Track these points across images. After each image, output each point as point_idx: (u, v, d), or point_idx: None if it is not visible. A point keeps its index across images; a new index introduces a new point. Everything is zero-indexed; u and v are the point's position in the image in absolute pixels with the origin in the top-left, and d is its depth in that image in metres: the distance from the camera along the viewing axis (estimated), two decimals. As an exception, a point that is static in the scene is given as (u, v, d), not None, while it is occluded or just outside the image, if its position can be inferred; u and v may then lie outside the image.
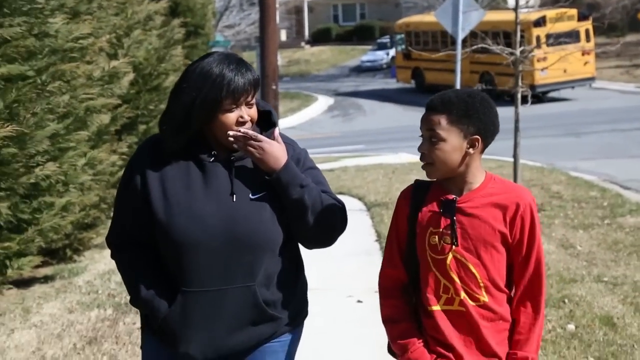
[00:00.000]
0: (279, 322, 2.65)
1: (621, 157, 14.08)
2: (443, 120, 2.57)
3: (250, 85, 2.53)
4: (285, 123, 21.55)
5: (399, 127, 20.79)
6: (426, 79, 27.65)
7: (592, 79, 24.15)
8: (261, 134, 2.59)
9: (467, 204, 2.60)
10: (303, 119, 25.31)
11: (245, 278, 2.56)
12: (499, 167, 12.18)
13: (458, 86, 11.58)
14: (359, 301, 6.01)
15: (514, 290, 2.66)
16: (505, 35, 19.69)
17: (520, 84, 9.39)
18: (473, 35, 17.45)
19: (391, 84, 31.27)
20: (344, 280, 6.62)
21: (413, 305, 2.71)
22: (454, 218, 2.59)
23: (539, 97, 22.87)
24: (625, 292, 5.90)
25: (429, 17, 27.59)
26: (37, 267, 6.25)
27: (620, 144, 15.60)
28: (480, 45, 10.22)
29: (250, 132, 2.52)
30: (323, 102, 28.30)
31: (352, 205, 9.77)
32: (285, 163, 2.57)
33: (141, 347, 2.75)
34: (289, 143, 2.69)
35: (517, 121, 9.43)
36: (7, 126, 4.21)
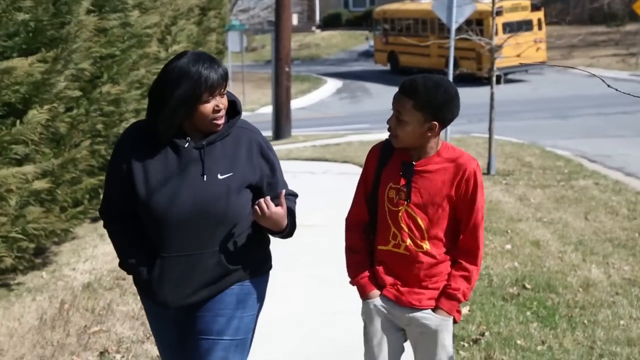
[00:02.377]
0: (239, 273, 3.12)
1: (598, 137, 15.96)
2: (408, 105, 3.06)
3: (223, 79, 2.97)
4: (295, 104, 23.20)
5: (402, 109, 22.70)
6: (400, 61, 30.68)
7: (543, 63, 26.83)
8: (228, 120, 3.08)
9: (422, 167, 3.14)
10: (313, 100, 27.14)
11: (213, 246, 3.03)
12: (484, 142, 14.14)
13: (451, 70, 13.63)
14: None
15: (459, 240, 3.19)
16: (467, 22, 23.20)
17: (494, 68, 11.29)
18: (441, 22, 21.19)
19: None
20: (343, 221, 8.62)
21: (370, 241, 3.27)
22: (411, 179, 3.14)
23: (498, 78, 25.27)
24: (555, 228, 7.94)
25: (404, 5, 31.85)
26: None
27: (600, 126, 17.48)
28: (462, 36, 12.18)
29: (267, 209, 2.98)
30: (332, 84, 30.15)
31: (353, 170, 11.79)
32: (285, 225, 3.08)
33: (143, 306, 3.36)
34: (251, 130, 3.15)
35: (492, 100, 11.40)
36: (115, 87, 6.28)
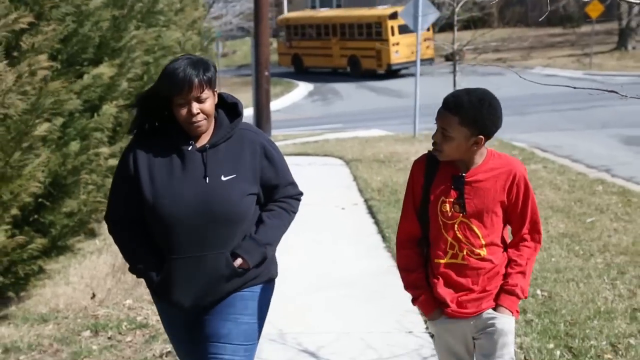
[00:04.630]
0: (247, 276, 3.24)
1: (552, 130, 17.95)
2: (454, 121, 3.11)
3: (202, 84, 3.05)
4: (270, 106, 25.03)
5: (372, 110, 24.52)
6: (304, 63, 34.91)
7: (432, 59, 32.55)
8: (231, 122, 3.23)
9: (473, 177, 3.20)
10: (286, 103, 28.89)
11: (220, 246, 3.13)
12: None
13: (418, 65, 15.57)
14: (342, 208, 9.84)
15: (511, 240, 3.32)
16: (367, 26, 31.89)
17: (456, 68, 13.14)
18: (343, 26, 28.15)
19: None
20: (332, 200, 10.42)
21: (424, 256, 3.33)
22: (463, 191, 3.19)
23: (395, 72, 32.18)
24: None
25: (306, 13, 37.28)
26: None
27: (554, 121, 19.49)
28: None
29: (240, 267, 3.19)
30: (303, 88, 31.95)
31: (334, 162, 13.66)
32: (255, 262, 3.24)
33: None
34: (255, 132, 3.29)
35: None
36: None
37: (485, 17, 34.90)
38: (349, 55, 33.35)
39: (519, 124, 19.55)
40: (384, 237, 8.26)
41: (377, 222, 8.92)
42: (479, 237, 3.23)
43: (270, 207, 3.32)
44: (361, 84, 31.48)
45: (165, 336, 5.63)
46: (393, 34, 31.42)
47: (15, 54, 5.29)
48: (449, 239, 3.24)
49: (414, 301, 3.38)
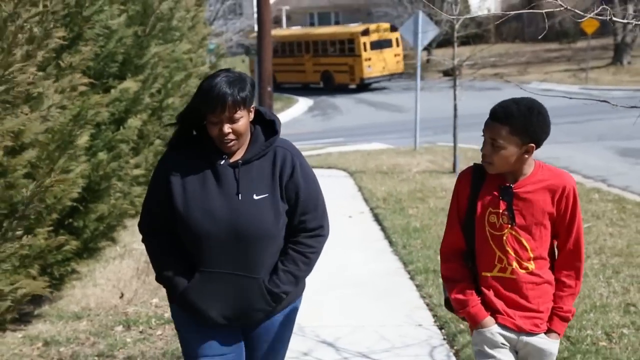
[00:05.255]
0: (282, 303, 3.28)
1: (549, 143, 18.20)
2: (504, 131, 3.08)
3: (235, 104, 3.00)
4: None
5: (371, 124, 25.03)
6: (277, 79, 35.91)
7: (402, 73, 35.39)
8: (266, 140, 3.18)
9: (521, 189, 3.16)
10: (286, 118, 29.38)
11: (252, 269, 3.14)
12: (449, 149, 16.55)
13: (419, 81, 16.09)
14: (349, 217, 10.32)
15: (557, 257, 3.27)
16: (340, 42, 34.52)
17: (456, 83, 13.65)
18: (316, 43, 30.38)
19: (385, 88, 36.03)
20: (338, 209, 10.91)
21: (470, 269, 3.27)
22: (512, 202, 3.14)
23: (367, 86, 34.53)
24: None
25: (279, 32, 38.40)
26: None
27: (551, 134, 19.73)
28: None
29: None
30: (303, 103, 32.52)
31: (339, 174, 14.17)
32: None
33: (172, 315, 3.43)
34: (288, 149, 3.23)
35: (455, 110, 13.76)
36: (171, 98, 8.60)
37: (483, 34, 35.55)
38: (322, 71, 35.51)
39: (517, 137, 20.10)
40: (390, 242, 8.75)
41: (383, 229, 9.40)
42: (527, 250, 3.19)
43: (286, 251, 3.25)
44: (360, 99, 32.06)
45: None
46: (365, 50, 34.13)
47: (54, 71, 5.78)
48: (497, 251, 3.20)
49: (460, 310, 3.28)
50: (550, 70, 34.10)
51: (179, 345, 5.72)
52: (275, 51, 35.51)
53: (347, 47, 34.26)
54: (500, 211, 3.17)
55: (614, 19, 4.54)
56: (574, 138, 18.72)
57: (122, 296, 6.95)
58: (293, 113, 30.46)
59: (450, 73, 36.13)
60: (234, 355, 3.30)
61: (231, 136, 3.07)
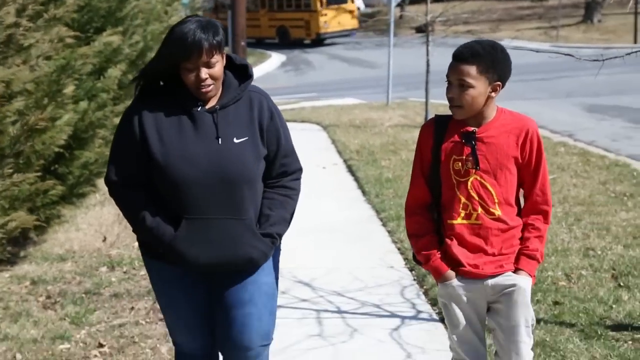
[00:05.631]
0: (271, 247, 3.21)
1: (518, 99, 18.78)
2: (473, 70, 3.09)
3: (212, 48, 2.98)
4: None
5: (344, 80, 25.20)
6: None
7: (355, 29, 36.23)
8: (239, 85, 3.16)
9: (485, 134, 3.18)
10: (259, 73, 29.37)
11: (238, 211, 3.11)
12: (421, 104, 16.85)
13: (392, 37, 16.34)
14: (323, 167, 10.63)
15: (524, 202, 3.29)
16: None
17: (429, 39, 13.90)
18: None
19: (337, 43, 36.22)
20: (312, 160, 11.19)
21: (435, 221, 3.29)
22: (475, 146, 3.16)
23: (322, 41, 35.29)
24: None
25: None
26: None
27: (521, 91, 20.33)
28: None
29: None
30: (276, 58, 32.56)
31: (312, 127, 14.46)
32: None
33: (148, 271, 3.35)
34: (263, 95, 3.23)
35: (428, 65, 14.05)
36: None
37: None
38: (277, 26, 36.08)
39: (488, 93, 20.47)
40: (364, 192, 9.08)
41: (356, 179, 9.72)
42: (492, 195, 3.19)
43: (272, 196, 3.26)
44: (333, 55, 32.22)
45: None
46: (322, 5, 35.11)
47: (38, 22, 5.97)
48: (462, 198, 3.21)
49: (424, 264, 3.32)
50: (521, 28, 34.39)
51: (162, 284, 6.02)
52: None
53: (304, 2, 35.13)
54: (464, 157, 3.18)
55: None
56: (543, 95, 19.10)
57: (104, 240, 7.22)
58: (266, 68, 30.54)
59: (422, 29, 36.34)
60: (196, 300, 3.27)
61: (209, 81, 3.05)
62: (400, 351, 4.90)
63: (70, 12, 6.01)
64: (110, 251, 6.95)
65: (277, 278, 3.37)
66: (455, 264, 3.25)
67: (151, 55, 8.99)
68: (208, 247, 3.09)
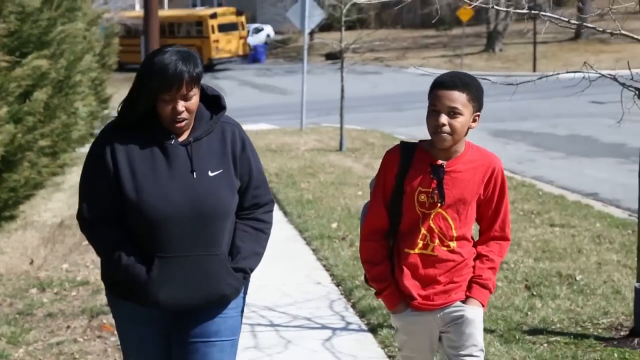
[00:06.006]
0: (242, 283, 3.13)
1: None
2: (463, 98, 3.12)
3: (191, 80, 2.92)
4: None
5: (256, 106, 25.48)
6: (121, 59, 38.46)
7: (246, 55, 38.94)
8: (211, 117, 3.08)
9: (452, 167, 3.19)
10: (170, 99, 29.61)
11: (212, 247, 3.03)
12: (334, 129, 17.25)
13: (305, 64, 16.73)
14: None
15: (480, 235, 3.33)
16: (188, 24, 37.63)
17: (343, 65, 14.30)
18: (163, 26, 31.52)
19: (247, 69, 36.59)
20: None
21: (389, 249, 3.29)
22: (442, 181, 3.16)
23: (213, 67, 36.98)
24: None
25: (132, 14, 39.43)
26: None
27: (429, 116, 21.07)
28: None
29: None
30: (187, 84, 32.73)
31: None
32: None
33: (113, 310, 3.23)
34: (234, 125, 3.15)
35: (342, 91, 14.46)
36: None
37: (364, 19, 36.57)
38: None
39: (397, 118, 21.03)
40: (285, 213, 9.34)
41: (278, 201, 9.96)
42: (452, 229, 3.22)
43: (244, 228, 3.16)
44: (243, 82, 32.50)
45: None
46: (214, 32, 37.09)
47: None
48: (423, 229, 3.22)
49: (377, 294, 3.36)
50: (427, 56, 35.42)
51: (96, 303, 6.13)
52: (128, 32, 35.79)
53: (196, 29, 36.86)
54: (431, 190, 3.18)
55: (495, 7, 5.23)
56: (451, 120, 19.79)
57: (32, 262, 7.26)
58: (177, 94, 30.58)
59: (332, 56, 36.98)
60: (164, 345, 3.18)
61: (184, 114, 2.98)
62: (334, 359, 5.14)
63: (2, 36, 6.10)
64: (38, 273, 7.00)
65: (242, 311, 3.27)
66: (406, 295, 3.27)
67: (76, 79, 9.09)
68: (182, 286, 3.01)
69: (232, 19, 38.38)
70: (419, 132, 19.87)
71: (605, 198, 10.10)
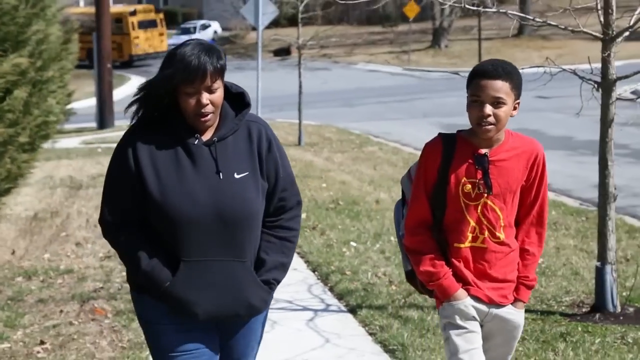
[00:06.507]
0: (269, 294, 3.03)
1: (380, 120, 19.94)
2: (506, 87, 3.09)
3: (216, 71, 2.83)
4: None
5: (208, 102, 25.75)
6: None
7: (165, 51, 38.63)
8: (236, 115, 2.98)
9: (497, 157, 3.16)
10: (119, 96, 29.34)
11: (238, 252, 2.94)
12: (290, 125, 17.58)
13: (259, 60, 16.98)
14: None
15: (520, 224, 3.27)
16: (117, 20, 37.74)
17: (300, 62, 14.63)
18: (84, 22, 31.65)
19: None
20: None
21: (437, 241, 3.21)
22: (488, 170, 3.12)
23: (132, 63, 38.88)
24: (354, 174, 11.55)
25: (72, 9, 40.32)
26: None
27: (381, 112, 21.53)
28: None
29: None
30: (136, 81, 32.61)
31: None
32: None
33: (138, 306, 3.08)
34: (261, 124, 3.06)
35: (300, 87, 14.80)
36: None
37: (310, 16, 36.87)
38: (87, 48, 36.84)
39: (350, 114, 21.46)
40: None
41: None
42: (500, 219, 3.17)
43: (268, 239, 3.05)
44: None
45: (97, 275, 6.76)
46: (134, 29, 38.39)
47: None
48: (472, 221, 3.16)
49: (429, 283, 3.22)
50: (374, 52, 36.03)
51: (84, 289, 6.37)
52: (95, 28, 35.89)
53: (116, 26, 36.75)
54: (477, 180, 3.14)
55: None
56: (402, 115, 20.28)
57: (13, 252, 7.44)
58: (127, 91, 30.52)
59: (280, 53, 37.36)
60: (209, 350, 3.03)
61: (209, 108, 2.89)
62: (319, 337, 5.48)
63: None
64: (21, 263, 7.19)
65: (264, 323, 3.22)
66: (463, 284, 3.20)
67: (48, 74, 9.25)
68: (208, 292, 2.92)
69: (152, 16, 39.89)
70: (372, 127, 20.55)
71: (557, 188, 10.61)
